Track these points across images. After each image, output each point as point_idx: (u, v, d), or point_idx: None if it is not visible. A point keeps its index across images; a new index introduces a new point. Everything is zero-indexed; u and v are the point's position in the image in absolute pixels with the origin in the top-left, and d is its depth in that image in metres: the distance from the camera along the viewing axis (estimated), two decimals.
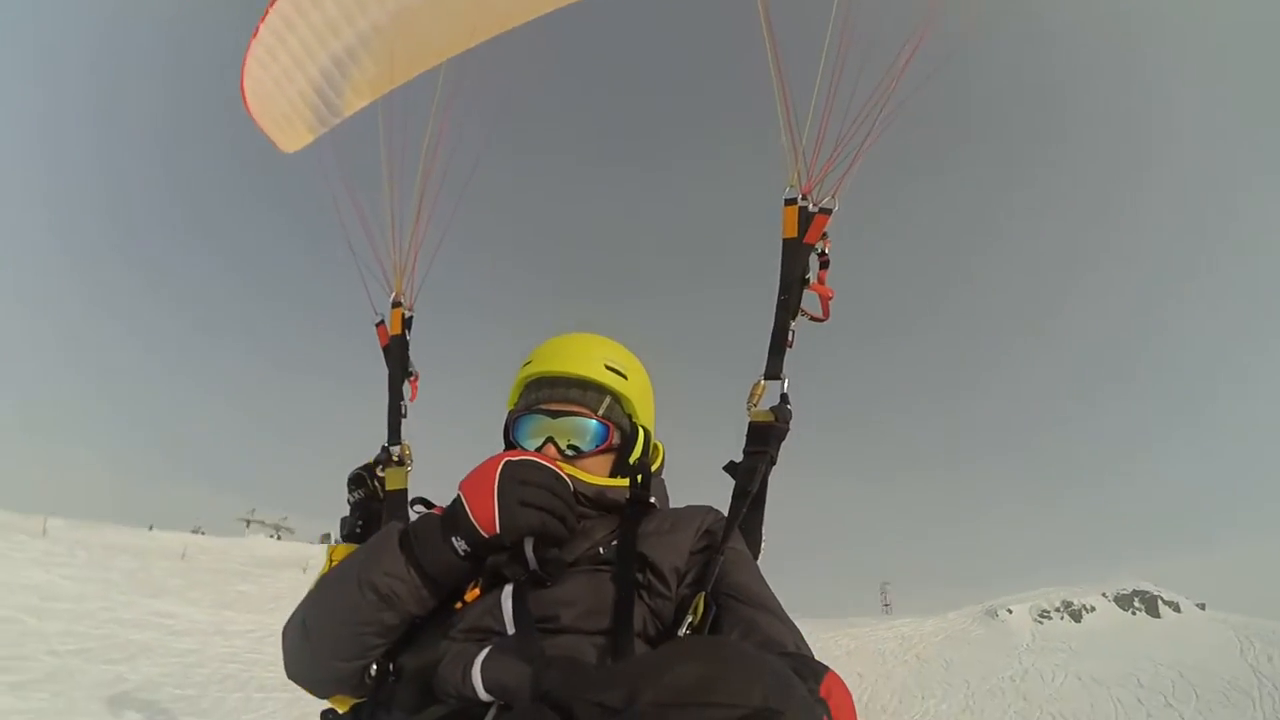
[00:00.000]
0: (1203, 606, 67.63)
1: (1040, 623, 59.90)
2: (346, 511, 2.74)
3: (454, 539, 1.59)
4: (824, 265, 2.49)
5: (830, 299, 2.48)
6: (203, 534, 47.49)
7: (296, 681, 1.76)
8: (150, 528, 44.40)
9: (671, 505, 2.26)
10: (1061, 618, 62.36)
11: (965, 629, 55.42)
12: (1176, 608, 66.85)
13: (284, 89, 3.47)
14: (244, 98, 3.51)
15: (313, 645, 1.68)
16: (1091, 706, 33.76)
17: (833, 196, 2.50)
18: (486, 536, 1.57)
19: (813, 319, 2.46)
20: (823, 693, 1.07)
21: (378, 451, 2.69)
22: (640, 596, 1.61)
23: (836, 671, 1.16)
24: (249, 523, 76.70)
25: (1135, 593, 70.12)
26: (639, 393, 2.07)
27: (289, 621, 1.74)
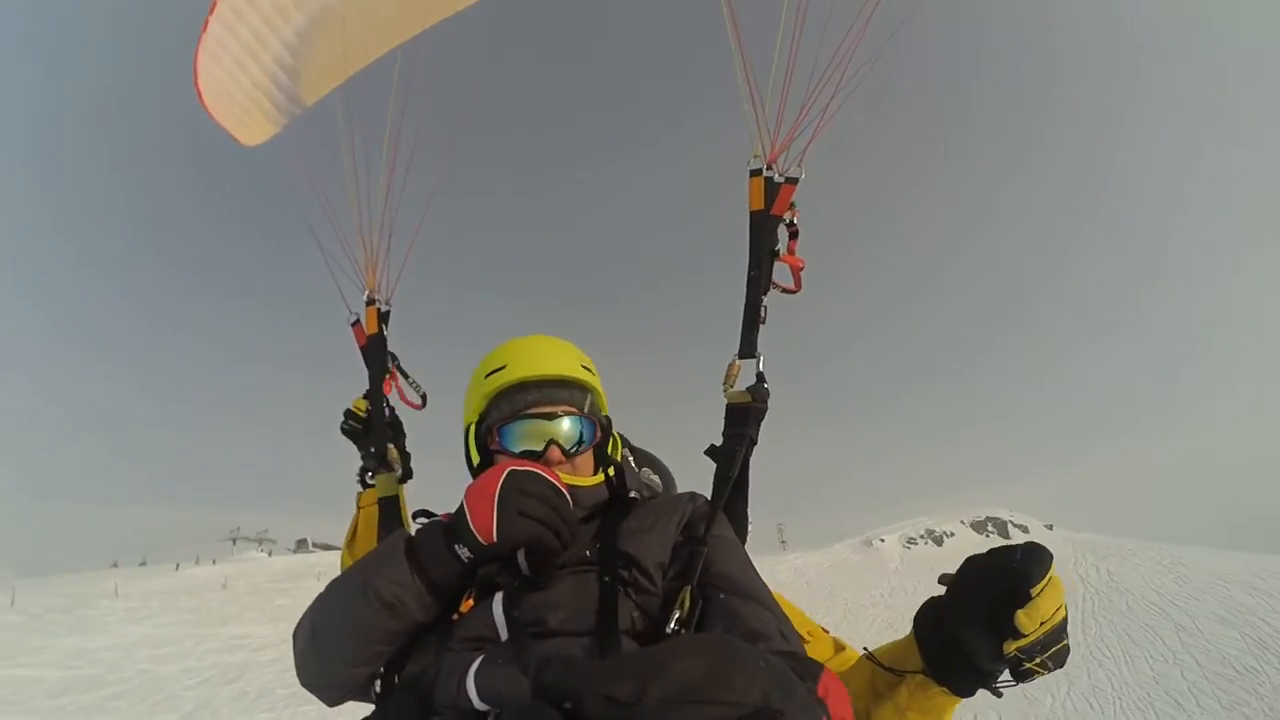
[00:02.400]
0: (1051, 527, 75.13)
1: (908, 548, 65.51)
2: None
3: (457, 546, 1.59)
4: (793, 235, 2.47)
5: (801, 269, 2.44)
6: (214, 563, 51.24)
7: (307, 688, 1.77)
8: (177, 566, 48.95)
9: (670, 476, 2.58)
10: (926, 543, 68.19)
11: (846, 558, 60.68)
12: (1025, 529, 74.62)
13: (239, 80, 3.33)
14: (199, 94, 3.34)
15: (321, 652, 1.68)
16: None
17: (798, 165, 2.44)
18: (485, 545, 1.56)
19: (784, 290, 2.45)
20: (820, 692, 1.05)
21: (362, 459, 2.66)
22: (627, 594, 1.60)
23: (832, 670, 1.13)
24: (235, 540, 76.42)
25: (989, 519, 77.25)
26: (602, 388, 2.05)
27: (297, 627, 1.74)
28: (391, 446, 2.71)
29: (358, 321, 3.04)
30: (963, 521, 76.13)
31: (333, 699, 1.76)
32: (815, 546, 69.09)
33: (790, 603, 2.16)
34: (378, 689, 1.70)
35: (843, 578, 51.90)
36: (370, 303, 3.04)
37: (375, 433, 2.76)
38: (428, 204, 3.17)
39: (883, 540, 66.90)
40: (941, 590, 1.71)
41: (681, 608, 1.57)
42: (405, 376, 2.97)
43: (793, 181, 2.44)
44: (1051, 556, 1.58)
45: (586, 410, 1.94)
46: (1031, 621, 1.50)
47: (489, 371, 1.92)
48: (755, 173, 2.47)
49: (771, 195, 2.44)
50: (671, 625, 1.56)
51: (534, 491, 1.57)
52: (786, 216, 2.45)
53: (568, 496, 1.65)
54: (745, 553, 1.85)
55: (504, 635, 1.54)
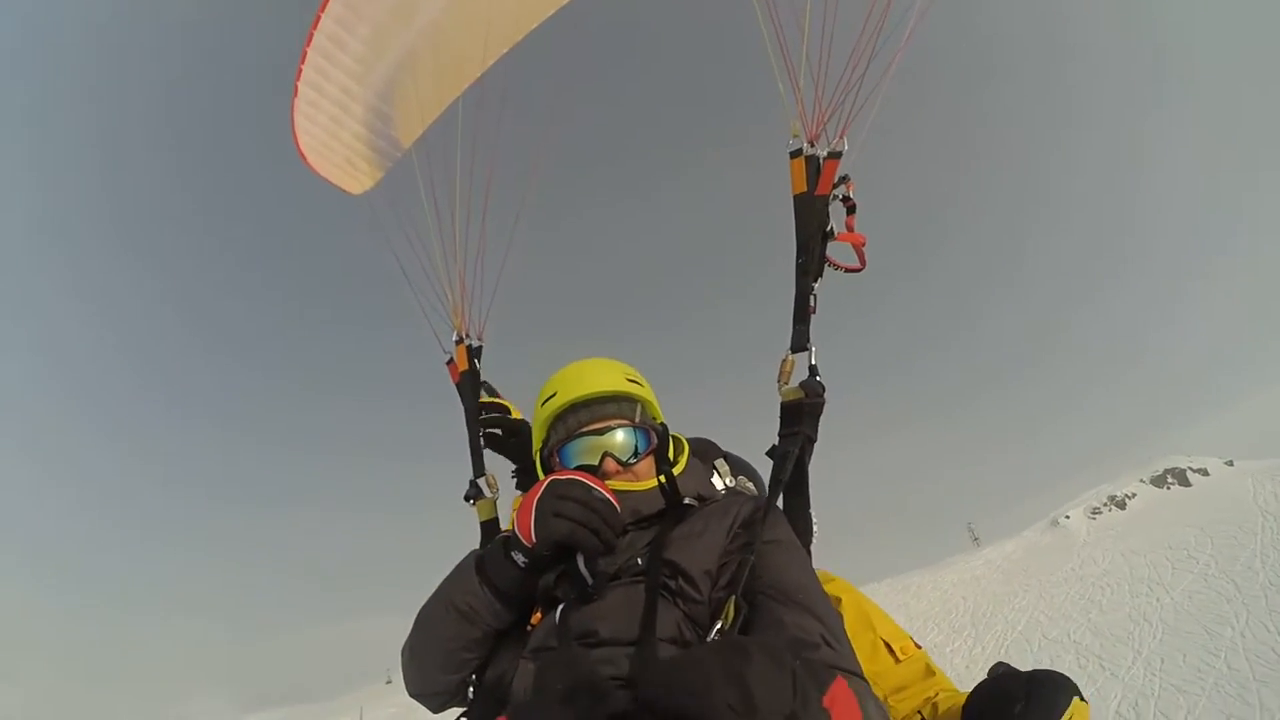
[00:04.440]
0: (1230, 463, 73.48)
1: (1093, 519, 66.15)
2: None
3: (514, 554, 1.77)
4: (850, 210, 2.46)
5: (864, 245, 2.45)
6: None
7: (414, 698, 1.96)
8: (388, 681, 51.81)
9: (763, 484, 2.64)
10: (1110, 510, 68.53)
11: (1035, 541, 62.25)
12: (1205, 472, 73.16)
13: (338, 135, 3.56)
14: (301, 154, 3.60)
15: (418, 664, 1.90)
16: (1131, 572, 38.92)
17: (841, 137, 2.43)
18: (530, 546, 1.74)
19: (848, 270, 2.46)
20: (825, 703, 1.08)
21: (467, 486, 2.78)
22: (675, 604, 1.68)
23: (844, 679, 1.18)
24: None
25: (1167, 470, 76.20)
26: (653, 396, 2.15)
27: (402, 647, 1.94)
28: (490, 474, 2.75)
29: (451, 360, 3.17)
30: (1142, 479, 75.61)
31: (436, 706, 1.98)
32: (1005, 536, 70.05)
33: (887, 616, 2.24)
34: (470, 695, 1.90)
35: (1035, 560, 52.90)
36: (459, 341, 3.19)
37: (474, 462, 2.82)
38: (508, 244, 3.19)
39: (1067, 517, 67.69)
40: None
41: (725, 619, 1.60)
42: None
43: (836, 156, 2.40)
44: (1066, 701, 1.56)
45: (638, 420, 2.06)
46: None
47: (543, 400, 2.10)
48: (795, 154, 2.46)
49: (814, 174, 2.41)
50: (713, 636, 1.60)
51: (570, 495, 1.72)
52: (840, 191, 2.43)
53: (612, 500, 1.78)
54: (802, 556, 1.85)
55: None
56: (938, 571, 56.32)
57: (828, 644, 1.49)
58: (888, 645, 2.18)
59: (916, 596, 46.27)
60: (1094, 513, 69.27)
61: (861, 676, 1.49)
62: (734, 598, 1.63)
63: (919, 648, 2.22)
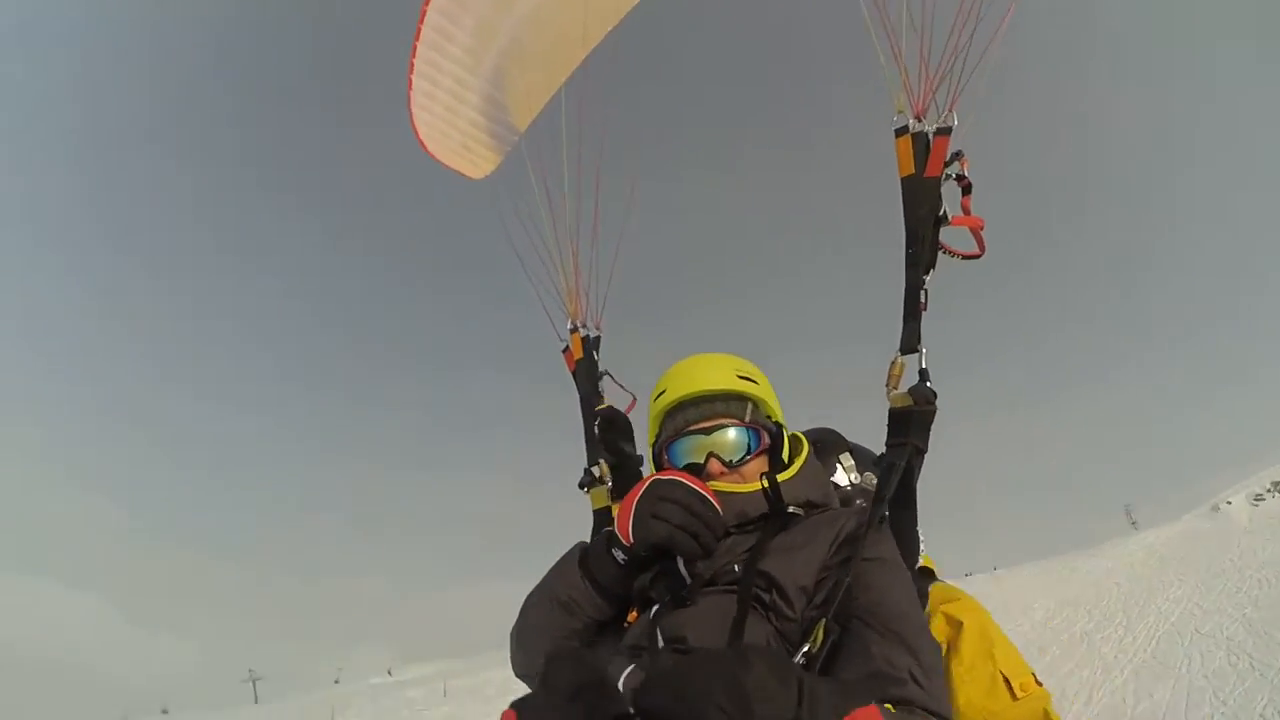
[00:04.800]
0: None
1: (1256, 505, 63.29)
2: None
3: (614, 550, 1.76)
4: (966, 191, 2.22)
5: (981, 228, 2.22)
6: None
7: (520, 679, 1.95)
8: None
9: (858, 456, 2.54)
10: (1274, 496, 66.09)
11: (1195, 527, 58.30)
12: None
13: (454, 123, 3.66)
14: (421, 143, 3.67)
15: (523, 649, 1.93)
16: None
17: (950, 110, 2.20)
18: (628, 547, 1.74)
19: (965, 257, 2.24)
20: None
21: (581, 474, 2.74)
22: (768, 618, 1.65)
23: (878, 709, 1.14)
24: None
25: None
26: (769, 394, 2.07)
27: (510, 631, 1.99)
28: (603, 462, 2.69)
29: (567, 348, 3.09)
30: None
31: None
32: (1165, 521, 68.13)
33: (1011, 646, 1.95)
34: None
35: (1193, 548, 46.75)
36: (573, 330, 3.09)
37: (588, 450, 2.77)
38: (621, 227, 3.14)
39: (1229, 503, 65.64)
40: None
41: (813, 642, 1.54)
42: (619, 385, 2.98)
43: (945, 132, 2.19)
44: None
45: (748, 419, 1.98)
46: None
47: (655, 396, 2.08)
48: (901, 131, 2.24)
49: (923, 153, 2.19)
50: (799, 659, 1.54)
51: (670, 496, 1.68)
52: (953, 169, 2.21)
53: (712, 501, 1.71)
54: (905, 577, 1.75)
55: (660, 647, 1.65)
56: (1092, 555, 55.24)
57: (915, 680, 1.42)
58: (1006, 680, 1.87)
59: (1067, 580, 46.52)
60: (1257, 499, 67.14)
61: (943, 717, 1.42)
62: (825, 620, 1.57)
63: (1040, 685, 1.90)
